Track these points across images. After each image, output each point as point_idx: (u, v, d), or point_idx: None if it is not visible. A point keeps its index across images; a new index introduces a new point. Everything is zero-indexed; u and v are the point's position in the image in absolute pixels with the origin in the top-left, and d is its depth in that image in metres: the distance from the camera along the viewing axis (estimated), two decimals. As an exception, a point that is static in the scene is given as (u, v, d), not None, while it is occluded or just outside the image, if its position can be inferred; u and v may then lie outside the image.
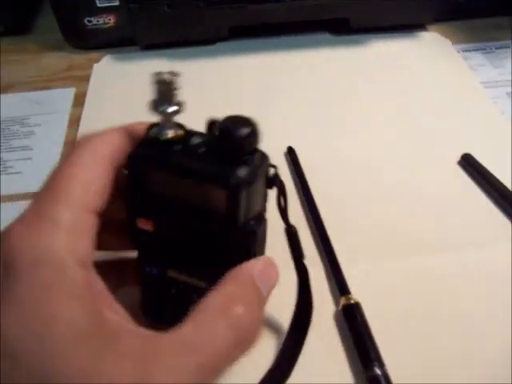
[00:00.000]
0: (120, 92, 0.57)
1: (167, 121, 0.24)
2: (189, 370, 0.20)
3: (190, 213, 0.24)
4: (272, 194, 0.29)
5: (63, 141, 0.51)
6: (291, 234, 0.33)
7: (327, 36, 0.64)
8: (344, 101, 0.55)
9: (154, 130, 0.24)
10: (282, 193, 0.29)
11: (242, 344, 0.22)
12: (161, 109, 0.24)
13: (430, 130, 0.51)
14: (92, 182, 0.23)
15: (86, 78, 0.59)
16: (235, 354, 0.21)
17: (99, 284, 0.21)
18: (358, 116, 0.53)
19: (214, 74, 0.59)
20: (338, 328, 0.36)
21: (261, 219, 0.26)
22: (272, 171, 0.26)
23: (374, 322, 0.35)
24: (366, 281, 0.38)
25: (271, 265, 0.25)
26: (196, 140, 0.24)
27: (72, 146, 0.24)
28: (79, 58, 0.63)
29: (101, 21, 0.59)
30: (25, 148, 0.51)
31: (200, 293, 0.24)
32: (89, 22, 0.59)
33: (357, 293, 0.36)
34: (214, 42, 0.63)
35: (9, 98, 0.57)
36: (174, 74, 0.24)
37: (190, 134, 0.25)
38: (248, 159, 0.24)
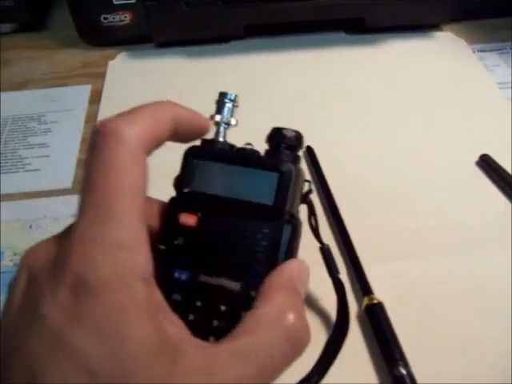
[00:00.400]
0: (136, 89, 0.57)
1: (222, 132, 0.27)
2: (249, 380, 0.20)
3: (235, 207, 0.25)
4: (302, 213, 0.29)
5: (80, 138, 0.51)
6: (325, 252, 0.35)
7: (342, 35, 0.64)
8: (359, 100, 0.55)
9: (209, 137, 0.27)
10: (312, 212, 0.31)
11: (296, 350, 0.22)
12: (218, 120, 0.27)
13: (446, 131, 0.51)
14: (137, 188, 0.22)
15: (101, 75, 0.59)
16: (290, 360, 0.22)
17: (159, 296, 0.22)
18: (373, 115, 0.53)
19: (228, 72, 0.59)
20: (362, 328, 0.36)
21: (299, 219, 0.27)
22: (306, 186, 0.29)
23: (395, 321, 0.35)
24: (386, 282, 0.38)
25: (304, 266, 0.25)
26: (246, 146, 0.27)
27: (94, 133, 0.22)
28: (94, 54, 0.63)
29: (117, 18, 0.59)
30: (42, 145, 0.51)
31: (230, 301, 0.25)
32: (105, 19, 0.59)
33: (378, 293, 0.36)
34: (229, 40, 0.63)
35: (25, 95, 0.57)
36: (235, 95, 0.28)
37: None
38: (293, 159, 0.27)
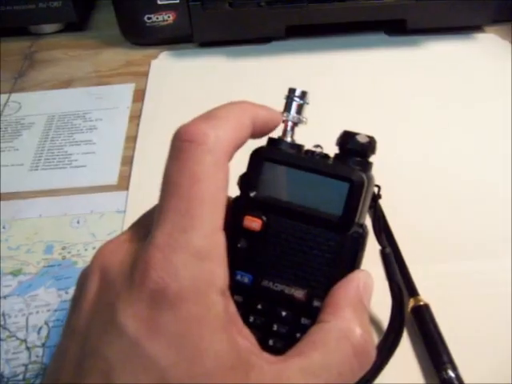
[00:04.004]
0: (178, 88, 0.58)
1: (290, 130, 0.27)
2: None
3: (302, 213, 0.25)
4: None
5: (124, 135, 0.52)
6: (387, 256, 0.34)
7: (383, 36, 0.64)
8: (399, 102, 0.55)
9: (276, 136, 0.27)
10: (378, 216, 0.31)
11: (363, 366, 0.22)
12: (287, 117, 0.27)
13: (488, 134, 0.50)
14: (220, 197, 0.21)
15: (144, 74, 0.60)
16: (357, 377, 0.22)
17: (233, 309, 0.22)
18: (413, 117, 0.53)
19: (268, 73, 0.59)
20: (407, 330, 0.35)
21: (366, 228, 0.26)
22: (375, 190, 0.28)
23: (440, 324, 0.34)
24: (431, 283, 0.37)
25: (370, 277, 0.25)
26: (314, 148, 0.26)
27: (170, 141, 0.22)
28: (136, 54, 0.64)
29: (160, 18, 0.60)
30: (88, 142, 0.52)
31: (291, 308, 0.25)
32: (148, 19, 0.60)
33: (423, 295, 0.36)
34: (269, 40, 0.63)
35: (70, 93, 0.58)
36: (305, 91, 0.27)
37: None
38: (365, 167, 0.26)
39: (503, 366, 0.34)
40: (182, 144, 0.22)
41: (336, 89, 0.56)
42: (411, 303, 0.36)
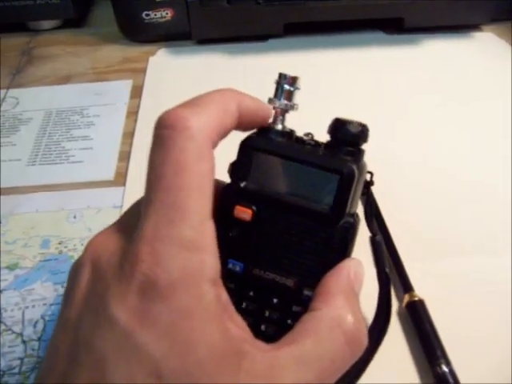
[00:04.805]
0: (176, 84, 0.58)
1: (281, 116, 0.26)
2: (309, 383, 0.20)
3: (292, 204, 0.25)
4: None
5: (122, 132, 0.52)
6: (376, 244, 0.35)
7: (381, 35, 0.64)
8: (397, 100, 0.55)
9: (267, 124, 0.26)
10: (370, 203, 0.31)
11: (355, 353, 0.22)
12: (277, 104, 0.26)
13: (487, 133, 0.51)
14: (206, 186, 0.21)
15: (141, 71, 0.60)
16: (348, 364, 0.22)
17: (225, 297, 0.21)
18: (412, 115, 0.53)
19: (266, 71, 0.59)
20: (402, 325, 0.36)
21: (358, 217, 0.26)
22: (368, 177, 0.28)
23: (434, 320, 0.34)
24: (426, 281, 0.37)
25: (361, 266, 0.25)
26: (305, 137, 0.26)
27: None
28: (134, 50, 0.64)
29: (158, 15, 0.60)
30: (85, 138, 0.52)
31: (282, 295, 0.25)
32: (146, 15, 0.60)
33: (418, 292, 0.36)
34: (267, 38, 0.63)
35: (68, 89, 0.58)
36: (295, 77, 0.27)
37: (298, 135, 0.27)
38: (357, 156, 0.25)
39: (503, 366, 0.34)
40: (163, 131, 0.21)
41: (333, 87, 0.57)
42: (406, 299, 0.36)
